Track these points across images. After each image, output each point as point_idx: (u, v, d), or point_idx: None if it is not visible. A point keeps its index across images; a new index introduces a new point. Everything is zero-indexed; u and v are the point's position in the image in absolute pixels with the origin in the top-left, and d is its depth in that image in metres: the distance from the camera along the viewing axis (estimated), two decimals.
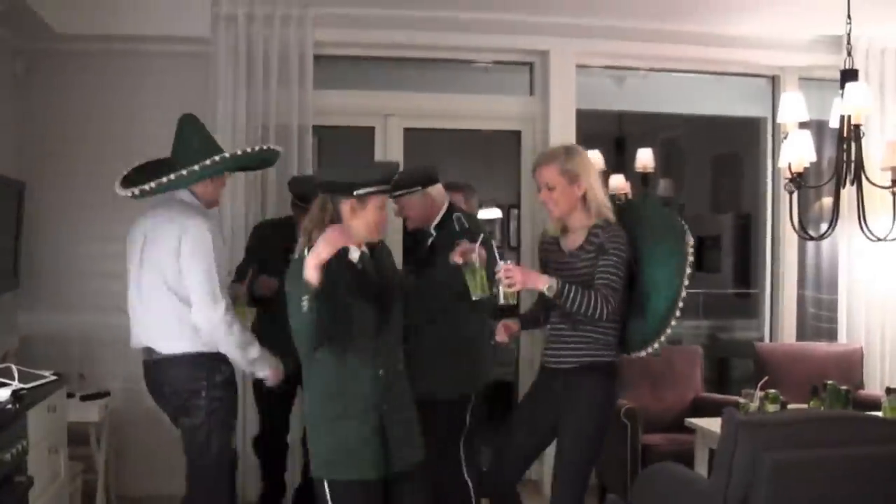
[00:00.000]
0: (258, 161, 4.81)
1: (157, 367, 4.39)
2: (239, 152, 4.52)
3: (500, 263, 4.18)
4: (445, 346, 4.91)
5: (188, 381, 4.32)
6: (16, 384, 4.36)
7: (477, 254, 4.01)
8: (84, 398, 5.83)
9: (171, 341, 4.32)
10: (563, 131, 6.88)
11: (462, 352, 4.95)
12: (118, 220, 6.29)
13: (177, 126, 4.49)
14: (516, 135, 7.33)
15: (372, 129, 7.13)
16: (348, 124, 7.21)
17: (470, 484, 4.98)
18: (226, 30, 6.48)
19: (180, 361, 4.32)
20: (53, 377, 4.74)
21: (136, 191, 4.32)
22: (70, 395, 5.49)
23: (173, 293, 4.28)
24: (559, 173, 4.34)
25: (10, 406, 4.12)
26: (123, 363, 6.33)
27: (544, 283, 4.20)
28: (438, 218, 5.03)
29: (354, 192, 3.66)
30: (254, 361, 4.42)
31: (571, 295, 4.16)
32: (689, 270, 4.28)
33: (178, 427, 4.48)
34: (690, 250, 4.27)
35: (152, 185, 4.32)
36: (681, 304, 4.25)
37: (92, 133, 6.61)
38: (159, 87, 6.65)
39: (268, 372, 4.51)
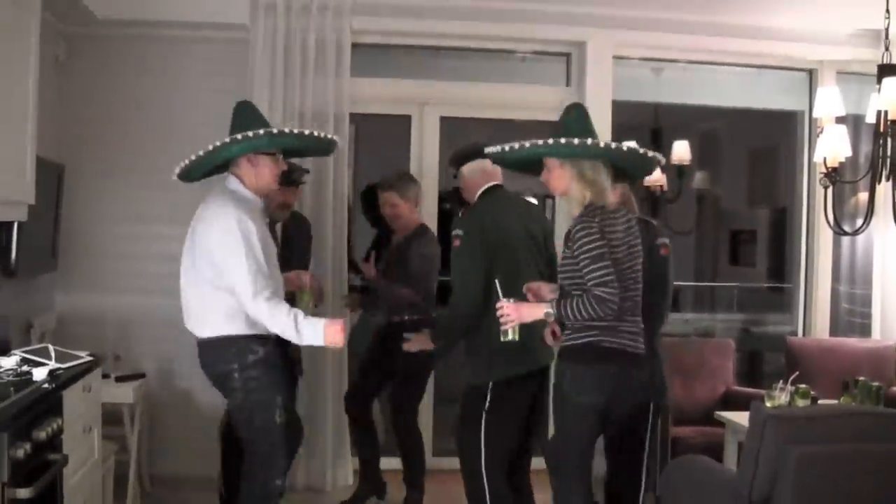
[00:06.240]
0: (301, 146, 4.67)
1: (199, 351, 4.52)
2: (275, 131, 4.39)
3: (501, 302, 4.20)
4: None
5: (220, 363, 4.44)
6: (52, 364, 4.40)
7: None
8: (119, 379, 5.89)
9: (204, 326, 4.45)
10: (598, 122, 6.63)
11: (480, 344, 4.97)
12: (155, 203, 6.45)
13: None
14: (552, 125, 7.29)
15: (408, 117, 7.17)
16: (385, 112, 7.23)
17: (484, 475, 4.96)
18: (264, 17, 6.53)
19: (211, 345, 4.44)
20: (89, 358, 4.79)
21: (177, 169, 4.45)
22: (105, 376, 5.54)
23: (206, 281, 4.37)
24: None
25: (46, 385, 4.17)
26: (158, 345, 6.46)
27: (541, 312, 4.18)
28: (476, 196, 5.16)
29: None
30: (301, 337, 4.29)
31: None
32: None
33: None
34: None
35: (186, 161, 4.42)
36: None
37: (131, 117, 6.68)
38: (198, 72, 6.70)
39: (319, 339, 4.31)
